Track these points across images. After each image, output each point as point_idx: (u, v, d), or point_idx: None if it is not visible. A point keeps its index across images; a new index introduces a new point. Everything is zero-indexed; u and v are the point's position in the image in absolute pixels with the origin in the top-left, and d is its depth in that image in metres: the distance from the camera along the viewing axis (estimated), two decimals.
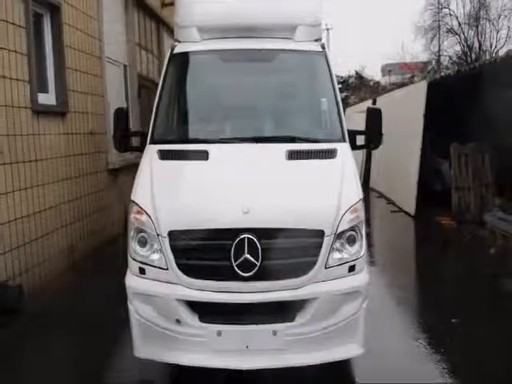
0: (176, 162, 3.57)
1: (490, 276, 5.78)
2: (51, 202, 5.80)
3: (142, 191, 3.34)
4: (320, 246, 3.07)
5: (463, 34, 29.07)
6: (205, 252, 3.05)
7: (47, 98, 5.95)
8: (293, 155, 3.50)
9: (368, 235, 3.44)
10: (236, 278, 2.97)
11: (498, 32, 28.86)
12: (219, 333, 3.01)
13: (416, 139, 9.21)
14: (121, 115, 4.09)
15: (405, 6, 59.85)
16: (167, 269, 3.07)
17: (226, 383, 3.36)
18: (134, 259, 3.21)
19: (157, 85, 11.07)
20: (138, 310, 3.17)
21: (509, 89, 7.74)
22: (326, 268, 3.09)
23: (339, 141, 3.83)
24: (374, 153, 12.30)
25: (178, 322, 3.06)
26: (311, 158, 3.55)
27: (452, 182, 9.17)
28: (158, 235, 3.09)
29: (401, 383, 3.29)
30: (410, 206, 9.37)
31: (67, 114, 6.30)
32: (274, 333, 3.01)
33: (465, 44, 28.99)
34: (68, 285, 5.57)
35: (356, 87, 31.73)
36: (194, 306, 3.08)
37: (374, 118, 4.05)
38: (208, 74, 4.38)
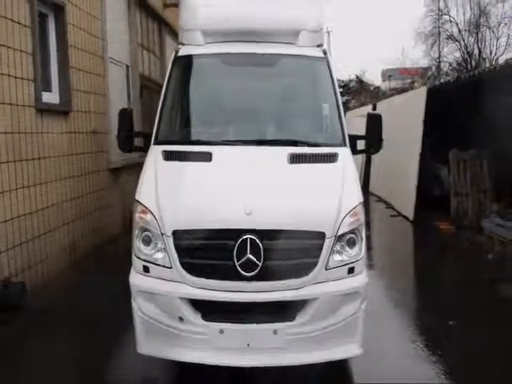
0: (180, 162, 3.63)
1: (487, 281, 5.84)
2: (53, 199, 5.85)
3: (146, 191, 3.39)
4: (321, 248, 3.13)
5: (463, 40, 29.23)
6: (208, 251, 3.11)
7: (51, 97, 6.00)
8: (295, 158, 3.56)
9: (367, 238, 3.48)
10: (238, 277, 3.02)
11: (497, 39, 29.04)
12: (221, 331, 3.06)
13: (415, 145, 9.28)
14: (125, 116, 4.15)
15: (405, 11, 60.23)
16: (171, 267, 3.12)
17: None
18: (138, 258, 3.26)
19: (158, 85, 11.14)
20: (141, 308, 3.22)
21: (508, 96, 7.82)
22: (326, 269, 3.15)
23: (340, 145, 3.89)
24: (374, 157, 12.37)
25: (181, 319, 3.11)
26: (313, 162, 3.62)
27: (451, 188, 9.25)
28: (163, 234, 3.14)
29: (400, 383, 3.33)
30: (409, 211, 9.44)
31: (70, 112, 6.35)
32: (275, 332, 3.07)
33: (465, 51, 29.13)
34: (70, 282, 5.62)
35: (356, 91, 31.85)
36: (197, 305, 3.13)
37: (375, 123, 4.12)
38: (212, 77, 4.44)
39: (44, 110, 5.64)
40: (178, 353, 3.17)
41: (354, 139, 4.02)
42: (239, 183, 3.31)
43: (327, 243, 3.13)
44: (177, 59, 4.33)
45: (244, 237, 3.01)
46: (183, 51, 4.40)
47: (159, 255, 3.17)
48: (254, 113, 4.18)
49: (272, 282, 3.07)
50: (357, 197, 3.40)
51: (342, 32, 57.52)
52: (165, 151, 3.68)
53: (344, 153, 3.79)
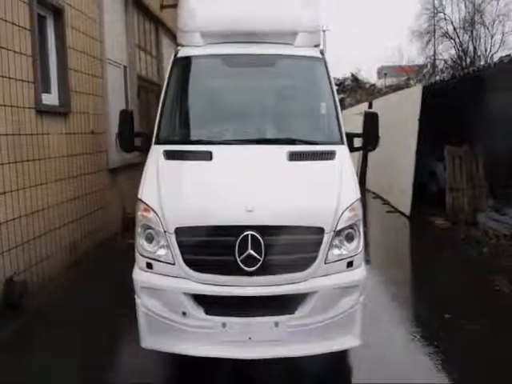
0: (181, 161, 3.71)
1: (481, 274, 5.95)
2: (54, 200, 5.90)
3: (148, 190, 3.46)
4: (320, 243, 3.22)
5: (458, 38, 29.42)
6: (210, 248, 3.19)
7: (50, 99, 6.06)
8: (294, 156, 3.64)
9: (364, 234, 3.57)
10: (240, 272, 3.11)
11: (492, 37, 29.25)
12: (224, 325, 3.15)
13: (411, 141, 9.38)
14: (126, 117, 4.22)
15: (401, 9, 60.30)
16: (174, 264, 3.20)
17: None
18: (142, 255, 3.34)
19: (155, 85, 11.19)
20: (145, 303, 3.30)
21: (502, 93, 7.94)
22: (325, 263, 3.24)
23: (338, 143, 3.98)
24: (371, 154, 12.48)
25: (184, 314, 3.19)
26: (311, 160, 3.70)
27: (446, 184, 9.37)
28: (165, 232, 3.22)
29: (400, 383, 3.40)
30: (406, 207, 9.55)
31: (69, 114, 6.41)
32: (276, 324, 3.16)
33: (460, 48, 29.31)
34: (71, 281, 5.67)
35: (352, 89, 31.93)
36: (200, 299, 3.21)
37: (371, 121, 4.22)
38: (211, 78, 4.51)
39: (44, 111, 5.69)
40: (181, 347, 3.24)
41: (351, 137, 4.11)
42: (240, 181, 3.39)
43: (326, 238, 3.22)
44: (176, 60, 4.40)
45: (245, 233, 3.09)
46: (182, 52, 4.47)
47: (162, 252, 3.25)
48: (253, 112, 4.26)
49: (273, 277, 3.16)
50: (354, 193, 3.49)
51: (338, 30, 57.56)
52: (166, 151, 3.76)
53: (341, 150, 3.87)
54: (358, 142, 4.25)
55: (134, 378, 3.60)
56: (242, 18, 4.38)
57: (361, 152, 11.41)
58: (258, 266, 3.10)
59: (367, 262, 3.67)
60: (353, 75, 33.89)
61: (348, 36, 71.42)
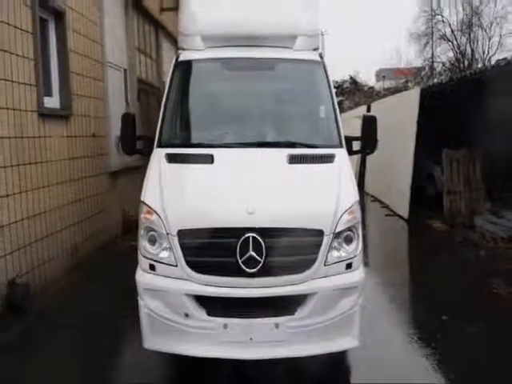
0: (183, 165, 3.77)
1: (479, 277, 6.01)
2: (56, 202, 5.94)
3: (151, 192, 3.51)
4: (319, 245, 3.27)
5: (456, 40, 29.53)
6: (212, 249, 3.25)
7: (52, 102, 6.10)
8: (294, 159, 3.70)
9: (363, 237, 3.63)
10: (241, 273, 3.16)
11: (490, 39, 29.37)
12: (225, 326, 3.20)
13: (409, 145, 9.45)
14: (128, 120, 4.28)
15: (399, 12, 60.54)
16: (176, 265, 3.26)
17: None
18: (145, 256, 3.39)
19: (155, 88, 11.21)
20: (147, 305, 3.35)
21: (500, 96, 8.01)
22: (325, 265, 3.30)
23: (337, 146, 4.04)
24: (369, 157, 12.51)
25: (187, 315, 3.24)
26: (311, 163, 3.76)
27: (444, 187, 9.43)
28: (168, 234, 3.27)
29: (400, 383, 3.45)
30: (404, 210, 9.60)
31: (71, 117, 6.45)
32: (276, 325, 3.21)
33: (457, 50, 29.43)
34: (72, 283, 5.71)
35: (350, 92, 32.03)
36: (202, 301, 3.26)
37: (370, 124, 4.27)
38: (212, 82, 4.57)
39: (46, 114, 5.73)
40: (183, 347, 3.29)
41: (349, 140, 4.17)
42: (241, 184, 3.45)
43: (326, 240, 3.28)
44: (178, 64, 4.46)
45: (246, 235, 3.15)
46: (184, 56, 4.53)
47: (165, 254, 3.30)
48: (254, 115, 4.32)
49: (273, 278, 3.21)
50: (353, 196, 3.55)
51: (336, 33, 57.74)
52: (168, 154, 3.82)
53: (340, 153, 3.93)
54: (356, 146, 4.31)
55: (136, 380, 3.63)
56: (242, 22, 4.43)
57: (359, 155, 11.46)
58: (258, 267, 3.15)
59: (366, 264, 3.71)
60: (351, 78, 33.99)
61: (346, 39, 71.55)
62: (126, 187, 8.32)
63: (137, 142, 4.33)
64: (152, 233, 3.35)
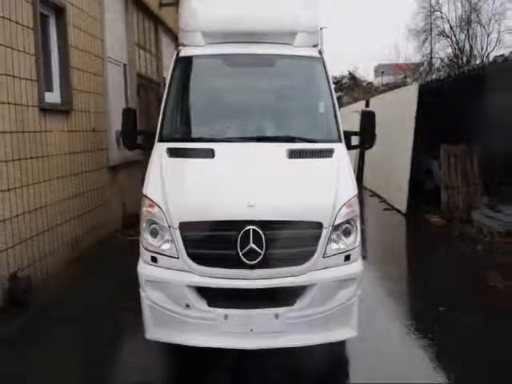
0: (184, 159, 3.83)
1: (476, 270, 6.07)
2: (56, 197, 5.99)
3: (153, 186, 3.57)
4: (318, 237, 3.34)
5: (455, 36, 29.55)
6: (213, 242, 3.31)
7: (53, 97, 6.14)
8: (293, 154, 3.76)
9: (362, 231, 3.69)
10: (242, 265, 3.22)
11: (488, 35, 29.38)
12: (226, 316, 3.26)
13: (408, 140, 9.50)
14: (129, 115, 4.32)
15: (398, 8, 60.42)
16: (178, 257, 3.32)
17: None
18: (147, 249, 3.45)
19: (154, 83, 11.21)
20: (149, 296, 3.41)
21: (497, 92, 8.06)
22: (324, 257, 3.36)
23: (336, 141, 4.10)
24: (368, 152, 12.59)
25: (188, 306, 3.30)
26: (310, 157, 3.82)
27: (442, 182, 9.50)
28: (170, 226, 3.33)
29: (400, 383, 3.49)
30: (402, 204, 9.67)
31: (71, 112, 6.49)
32: (276, 316, 3.28)
33: (456, 47, 29.45)
34: (73, 277, 5.76)
35: (349, 87, 32.05)
36: (203, 292, 3.33)
37: (368, 119, 4.33)
38: (212, 77, 4.62)
39: (47, 109, 5.77)
40: (184, 337, 3.36)
41: (348, 135, 4.23)
42: (241, 177, 3.50)
43: (325, 233, 3.34)
44: (178, 60, 4.50)
45: (247, 227, 3.21)
46: (184, 52, 4.57)
47: (166, 246, 3.36)
48: (254, 111, 4.37)
49: (273, 270, 3.27)
50: (352, 189, 3.61)
51: (335, 28, 57.62)
52: (169, 148, 3.87)
53: (339, 148, 3.99)
54: (355, 140, 4.37)
55: (135, 375, 3.67)
56: (242, 19, 4.47)
57: (358, 150, 11.52)
58: (259, 259, 3.22)
59: (364, 258, 3.77)
60: (350, 73, 33.99)
61: (345, 34, 71.56)
62: (126, 181, 8.37)
63: (137, 137, 4.38)
64: (154, 225, 3.41)
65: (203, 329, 3.30)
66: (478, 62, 25.50)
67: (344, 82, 33.40)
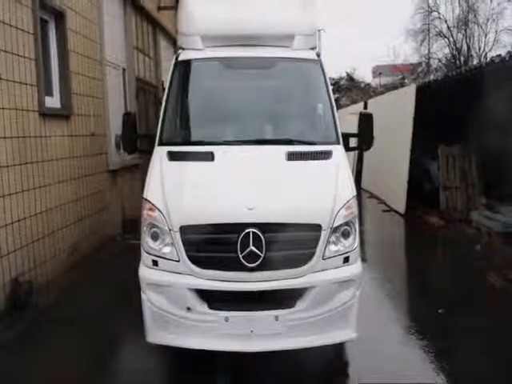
0: (184, 162, 3.86)
1: (474, 270, 6.10)
2: (56, 201, 6.00)
3: (153, 190, 3.60)
4: (318, 239, 3.37)
5: (452, 37, 29.60)
6: (213, 245, 3.35)
7: (52, 102, 6.16)
8: (292, 156, 3.79)
9: (361, 233, 3.72)
10: (242, 268, 3.25)
11: (486, 35, 29.44)
12: (226, 319, 3.29)
13: (406, 141, 9.53)
14: (129, 119, 4.36)
15: (395, 9, 60.57)
16: (179, 260, 3.35)
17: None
18: (147, 252, 3.48)
19: (153, 86, 11.24)
20: (150, 299, 3.44)
21: (494, 92, 8.08)
22: (323, 259, 3.39)
23: (334, 143, 4.13)
24: (366, 154, 12.63)
25: (189, 309, 3.33)
26: (309, 159, 3.85)
27: (440, 182, 9.53)
28: (170, 230, 3.36)
29: (400, 383, 3.51)
30: (400, 206, 9.70)
31: (71, 116, 6.51)
32: (276, 318, 3.30)
33: (454, 47, 29.50)
34: (74, 281, 5.78)
35: (347, 89, 32.13)
36: (204, 295, 3.36)
37: (366, 121, 4.37)
38: (211, 81, 4.65)
39: (47, 114, 5.79)
40: (185, 340, 3.39)
41: (346, 137, 4.27)
42: (241, 180, 3.54)
43: (324, 235, 3.37)
44: (177, 63, 4.54)
45: (247, 230, 3.24)
46: (183, 56, 4.61)
47: (167, 249, 3.39)
48: (253, 114, 4.40)
49: (273, 272, 3.30)
50: (350, 191, 3.64)
51: (333, 29, 57.70)
52: (169, 152, 3.90)
53: (338, 150, 4.02)
54: (353, 142, 4.40)
55: (137, 377, 3.68)
56: (240, 22, 4.51)
57: (356, 151, 11.56)
58: (259, 262, 3.25)
59: (363, 259, 3.79)
60: (348, 75, 34.11)
61: (343, 35, 71.67)
62: (125, 185, 8.39)
63: (137, 140, 4.41)
64: (154, 229, 3.44)
65: (204, 331, 3.33)
66: (475, 62, 25.57)
67: (342, 83, 33.49)
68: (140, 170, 8.55)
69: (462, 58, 28.76)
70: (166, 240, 3.38)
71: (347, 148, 4.23)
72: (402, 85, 23.98)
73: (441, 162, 9.49)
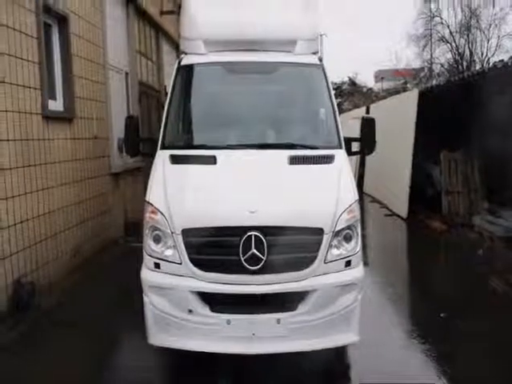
0: (186, 165, 3.87)
1: (476, 275, 6.10)
2: (59, 203, 6.03)
3: (155, 193, 3.61)
4: (320, 243, 3.38)
5: (454, 42, 29.56)
6: (215, 248, 3.36)
7: (55, 105, 6.20)
8: (294, 160, 3.81)
9: (363, 237, 3.73)
10: (244, 271, 3.26)
11: (488, 41, 29.42)
12: (228, 321, 3.30)
13: (408, 145, 9.54)
14: (132, 122, 4.38)
15: (398, 14, 60.62)
16: (181, 263, 3.36)
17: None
18: (150, 255, 3.49)
19: (156, 90, 11.30)
20: (152, 302, 3.45)
21: (496, 98, 8.10)
22: (325, 263, 3.40)
23: (336, 147, 4.14)
24: (368, 158, 12.63)
25: (191, 311, 3.34)
26: (311, 163, 3.87)
27: (442, 187, 9.52)
28: (172, 233, 3.37)
29: (401, 383, 3.52)
30: (403, 210, 9.70)
31: (74, 119, 6.54)
32: (278, 321, 3.31)
33: (456, 52, 29.47)
34: (76, 283, 5.79)
35: (349, 93, 32.18)
36: (205, 297, 3.36)
37: (369, 126, 4.38)
38: (214, 85, 4.68)
39: (50, 117, 5.82)
40: (187, 343, 3.39)
41: (349, 141, 4.28)
42: (243, 184, 3.55)
43: (326, 238, 3.38)
44: (180, 68, 4.56)
45: (249, 233, 3.25)
46: (186, 60, 4.64)
47: (169, 252, 3.40)
48: (255, 118, 4.43)
49: (275, 275, 3.31)
50: (352, 195, 3.65)
51: (336, 34, 57.82)
52: (172, 155, 3.92)
53: (340, 154, 4.04)
54: (355, 147, 4.41)
55: (137, 378, 3.70)
56: (243, 27, 4.53)
57: (359, 156, 11.57)
58: (260, 265, 3.25)
59: (365, 263, 3.80)
60: (350, 79, 34.15)
61: (345, 39, 71.80)
62: (128, 188, 8.41)
63: (140, 144, 4.43)
64: (157, 232, 3.45)
65: (206, 334, 3.34)
66: (478, 67, 25.57)
67: (344, 88, 33.54)
68: (142, 173, 8.57)
69: (465, 63, 28.74)
70: (168, 243, 3.39)
71: (349, 152, 4.25)
72: (405, 90, 24.00)
73: (443, 166, 9.49)
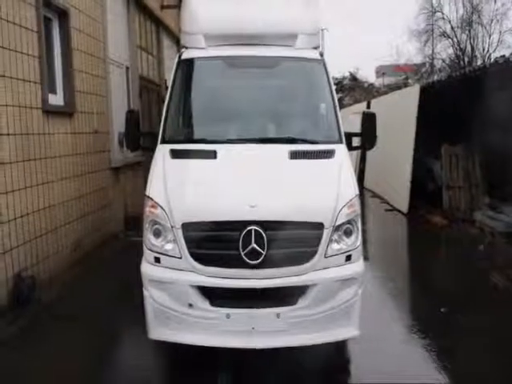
0: (187, 160, 3.87)
1: (477, 270, 6.10)
2: (59, 198, 6.03)
3: (155, 187, 3.61)
4: (320, 238, 3.37)
5: (456, 37, 29.48)
6: (215, 242, 3.35)
7: (56, 99, 6.19)
8: (295, 155, 3.80)
9: (363, 232, 3.72)
10: (244, 265, 3.26)
11: (490, 36, 29.32)
12: (228, 315, 3.30)
13: (409, 140, 9.53)
14: (132, 117, 4.37)
15: (399, 9, 60.47)
16: (181, 257, 3.36)
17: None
18: (150, 249, 3.49)
19: (156, 85, 11.28)
20: (152, 296, 3.45)
21: (497, 93, 8.07)
22: (325, 257, 3.39)
23: (337, 142, 4.13)
24: (369, 153, 12.62)
25: (191, 305, 3.34)
26: (312, 158, 3.86)
27: (443, 182, 9.51)
28: (172, 227, 3.37)
29: (401, 383, 3.52)
30: (403, 205, 9.69)
31: (74, 114, 6.53)
32: (278, 315, 3.31)
33: (458, 47, 29.39)
34: (76, 277, 5.80)
35: (350, 88, 32.09)
36: (205, 291, 3.36)
37: (369, 121, 4.37)
38: (214, 79, 4.66)
39: (50, 111, 5.81)
40: (187, 337, 3.39)
41: (349, 136, 4.27)
42: (243, 178, 3.55)
43: (326, 233, 3.38)
44: (180, 62, 4.55)
45: (248, 228, 3.24)
46: (186, 54, 4.62)
47: (169, 246, 3.40)
48: (256, 112, 4.41)
49: (275, 270, 3.31)
50: (353, 189, 3.64)
51: (337, 28, 57.63)
52: (172, 150, 3.91)
53: (340, 149, 4.03)
54: (356, 141, 4.40)
55: (137, 373, 3.69)
56: (243, 21, 4.52)
57: (359, 151, 11.56)
58: (260, 259, 3.25)
59: (365, 258, 3.80)
60: (351, 74, 34.06)
61: (346, 34, 71.56)
62: (128, 183, 8.41)
63: (140, 138, 4.42)
64: (157, 226, 3.45)
65: (205, 328, 3.34)
66: (479, 62, 25.49)
67: (345, 83, 33.45)
68: (142, 168, 8.57)
69: (466, 59, 28.66)
70: (168, 237, 3.39)
71: (350, 147, 4.24)
72: (406, 85, 23.95)
73: (444, 161, 9.47)
